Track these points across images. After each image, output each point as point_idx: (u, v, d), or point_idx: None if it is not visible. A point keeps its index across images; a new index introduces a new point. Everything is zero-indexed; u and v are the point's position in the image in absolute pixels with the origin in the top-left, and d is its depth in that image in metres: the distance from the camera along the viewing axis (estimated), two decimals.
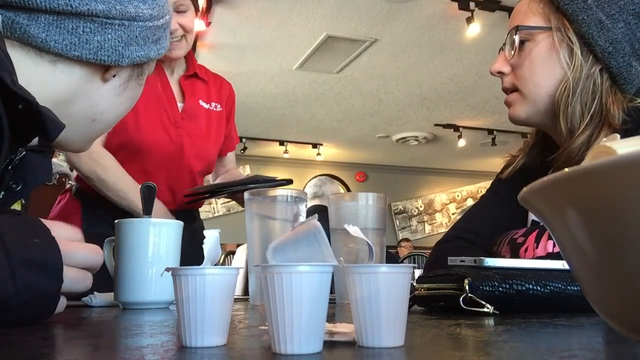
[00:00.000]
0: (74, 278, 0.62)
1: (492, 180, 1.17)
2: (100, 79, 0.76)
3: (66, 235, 0.63)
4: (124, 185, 1.43)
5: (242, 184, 1.36)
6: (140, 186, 0.98)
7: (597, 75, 0.92)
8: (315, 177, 3.08)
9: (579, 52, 0.92)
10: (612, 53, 0.91)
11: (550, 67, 0.95)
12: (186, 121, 1.53)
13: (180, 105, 1.54)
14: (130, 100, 0.83)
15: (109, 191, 1.43)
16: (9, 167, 0.69)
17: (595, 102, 0.92)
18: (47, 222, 0.61)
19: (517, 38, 0.97)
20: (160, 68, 1.53)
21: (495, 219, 1.07)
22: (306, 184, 2.83)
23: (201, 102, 1.59)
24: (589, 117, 0.92)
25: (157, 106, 1.49)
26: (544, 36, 0.96)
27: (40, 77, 0.70)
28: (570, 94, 0.92)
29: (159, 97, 1.50)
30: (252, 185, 1.33)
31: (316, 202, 2.53)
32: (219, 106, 1.64)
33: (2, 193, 0.69)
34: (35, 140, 0.68)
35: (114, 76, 0.77)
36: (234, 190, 1.39)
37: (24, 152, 0.70)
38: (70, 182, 3.18)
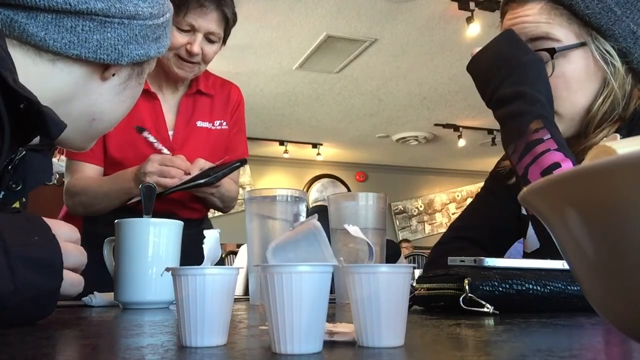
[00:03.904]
0: (71, 281, 0.61)
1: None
2: (100, 77, 0.76)
3: (64, 234, 0.63)
4: (105, 188, 1.36)
5: (192, 181, 1.26)
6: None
7: (629, 82, 0.93)
8: (318, 179, 3.07)
9: (617, 65, 0.92)
10: None
11: (587, 83, 0.94)
12: (177, 149, 1.42)
13: (170, 133, 1.45)
14: (131, 99, 0.83)
15: (101, 202, 1.37)
16: (9, 167, 0.69)
17: (621, 105, 0.93)
18: (47, 220, 0.61)
19: (553, 62, 0.92)
20: (153, 93, 1.45)
21: (490, 215, 1.09)
22: (307, 186, 2.83)
23: (200, 124, 1.49)
24: (613, 118, 0.93)
25: (145, 140, 1.41)
26: (577, 52, 0.93)
27: (39, 76, 0.70)
28: (609, 104, 0.93)
29: (149, 129, 1.42)
30: (202, 182, 1.25)
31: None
32: (224, 123, 1.53)
33: (2, 193, 0.69)
34: (35, 140, 0.68)
35: (113, 75, 0.77)
36: (185, 189, 1.27)
37: (24, 152, 0.70)
38: None
